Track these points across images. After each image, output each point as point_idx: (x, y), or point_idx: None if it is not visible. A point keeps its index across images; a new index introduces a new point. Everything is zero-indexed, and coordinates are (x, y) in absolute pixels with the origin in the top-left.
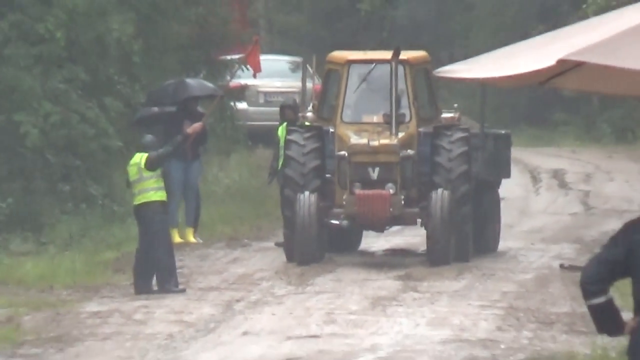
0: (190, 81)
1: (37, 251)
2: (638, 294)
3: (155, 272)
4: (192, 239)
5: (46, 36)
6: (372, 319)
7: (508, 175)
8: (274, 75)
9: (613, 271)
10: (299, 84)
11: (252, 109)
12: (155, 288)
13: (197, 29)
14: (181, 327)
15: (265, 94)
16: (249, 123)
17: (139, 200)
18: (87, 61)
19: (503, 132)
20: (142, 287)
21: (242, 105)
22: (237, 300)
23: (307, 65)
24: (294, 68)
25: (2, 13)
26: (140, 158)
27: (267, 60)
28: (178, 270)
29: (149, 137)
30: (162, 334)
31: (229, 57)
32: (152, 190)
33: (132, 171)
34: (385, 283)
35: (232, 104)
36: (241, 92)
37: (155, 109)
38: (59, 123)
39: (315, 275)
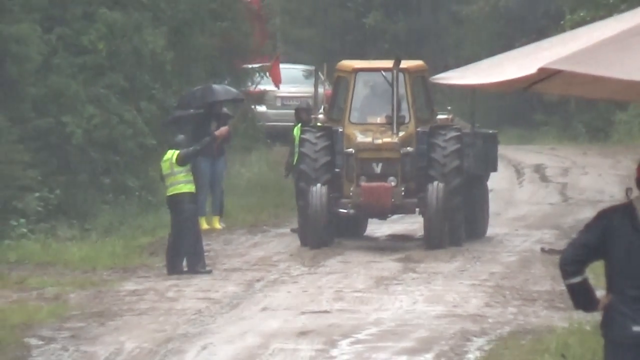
0: (216, 86)
1: (81, 237)
2: (610, 274)
3: (185, 255)
4: (217, 225)
5: (89, 47)
6: (376, 297)
7: (495, 170)
8: (290, 81)
9: (588, 254)
10: (311, 89)
11: (270, 111)
12: (185, 269)
13: (222, 41)
14: (208, 303)
15: (282, 98)
16: (268, 124)
17: (171, 191)
18: (125, 69)
19: (491, 131)
20: (173, 269)
21: (261, 108)
22: (257, 280)
23: (319, 73)
24: (307, 75)
25: (51, 27)
26: (172, 154)
27: (284, 69)
28: (205, 253)
29: (180, 137)
30: (191, 310)
31: (250, 66)
32: (182, 183)
33: (165, 166)
34: (387, 265)
35: (252, 107)
36: (261, 97)
37: (191, 110)
38: (101, 124)
39: (326, 257)
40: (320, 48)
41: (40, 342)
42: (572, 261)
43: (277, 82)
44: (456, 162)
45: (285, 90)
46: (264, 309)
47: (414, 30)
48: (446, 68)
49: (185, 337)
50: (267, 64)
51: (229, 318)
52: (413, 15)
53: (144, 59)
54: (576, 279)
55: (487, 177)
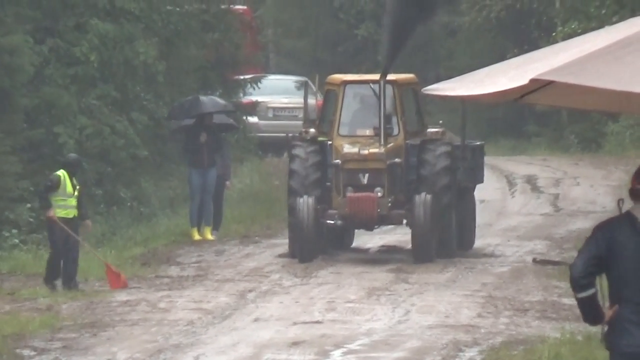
0: (203, 98)
1: None
2: (617, 286)
3: (62, 273)
4: (209, 236)
5: (81, 59)
6: (368, 307)
7: (482, 181)
8: (282, 92)
9: (598, 266)
10: (302, 100)
11: (262, 122)
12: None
13: (214, 52)
14: (200, 314)
15: (274, 109)
16: (260, 135)
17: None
18: (117, 80)
19: (478, 143)
20: (49, 282)
21: (253, 119)
22: (250, 291)
23: (310, 84)
24: (299, 86)
25: (43, 38)
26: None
27: (276, 80)
28: (198, 264)
29: (71, 156)
30: (183, 320)
31: (241, 77)
32: (56, 208)
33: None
34: (379, 275)
35: (244, 118)
36: (252, 108)
37: (190, 121)
38: (93, 134)
39: (318, 268)
40: (312, 59)
41: (33, 353)
42: (586, 274)
43: (115, 285)
44: (445, 180)
45: (277, 101)
46: (256, 319)
47: None
48: (439, 79)
49: (177, 348)
50: (259, 74)
51: (221, 329)
52: None
53: (135, 70)
54: (590, 292)
55: (474, 188)
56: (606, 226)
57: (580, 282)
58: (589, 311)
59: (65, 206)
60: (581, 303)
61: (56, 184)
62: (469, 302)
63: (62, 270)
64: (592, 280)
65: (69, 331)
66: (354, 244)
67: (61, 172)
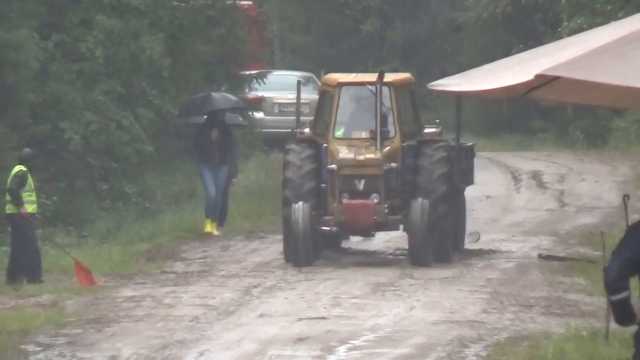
0: (215, 95)
1: (78, 243)
2: None
3: (24, 271)
4: (215, 232)
5: (87, 54)
6: (373, 303)
7: (472, 183)
8: (287, 88)
9: (633, 268)
10: (308, 95)
11: (268, 118)
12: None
13: (219, 47)
14: (205, 310)
15: (280, 104)
16: (266, 130)
17: (10, 209)
18: (123, 76)
19: (469, 144)
20: (12, 280)
21: (259, 115)
22: (255, 286)
23: (316, 79)
24: (304, 82)
25: (48, 34)
26: (16, 171)
27: (281, 76)
28: (203, 260)
29: (27, 151)
30: (188, 316)
31: (247, 73)
32: (26, 204)
33: (9, 181)
34: (384, 271)
35: (250, 113)
36: (258, 103)
37: (200, 118)
38: (98, 130)
39: (322, 264)
40: (318, 54)
41: (38, 349)
42: (621, 276)
43: (85, 283)
44: (443, 188)
45: (283, 96)
46: (261, 315)
47: (411, 37)
48: (444, 75)
49: (182, 344)
50: (265, 70)
51: (226, 324)
52: (411, 22)
53: (141, 66)
54: (624, 294)
55: (464, 189)
56: (639, 227)
57: (615, 285)
58: (623, 312)
59: (32, 201)
60: (615, 305)
61: (25, 180)
62: (474, 297)
63: (24, 266)
64: (626, 282)
65: (74, 327)
66: (346, 245)
67: (23, 167)
